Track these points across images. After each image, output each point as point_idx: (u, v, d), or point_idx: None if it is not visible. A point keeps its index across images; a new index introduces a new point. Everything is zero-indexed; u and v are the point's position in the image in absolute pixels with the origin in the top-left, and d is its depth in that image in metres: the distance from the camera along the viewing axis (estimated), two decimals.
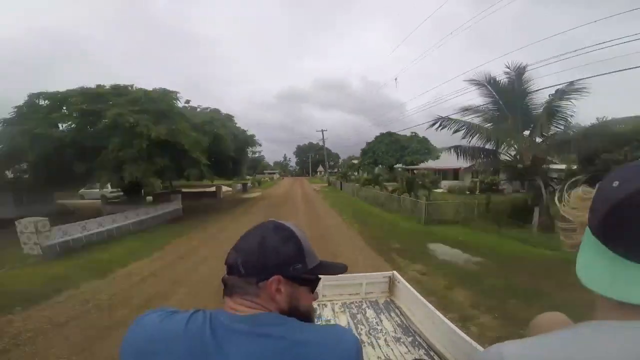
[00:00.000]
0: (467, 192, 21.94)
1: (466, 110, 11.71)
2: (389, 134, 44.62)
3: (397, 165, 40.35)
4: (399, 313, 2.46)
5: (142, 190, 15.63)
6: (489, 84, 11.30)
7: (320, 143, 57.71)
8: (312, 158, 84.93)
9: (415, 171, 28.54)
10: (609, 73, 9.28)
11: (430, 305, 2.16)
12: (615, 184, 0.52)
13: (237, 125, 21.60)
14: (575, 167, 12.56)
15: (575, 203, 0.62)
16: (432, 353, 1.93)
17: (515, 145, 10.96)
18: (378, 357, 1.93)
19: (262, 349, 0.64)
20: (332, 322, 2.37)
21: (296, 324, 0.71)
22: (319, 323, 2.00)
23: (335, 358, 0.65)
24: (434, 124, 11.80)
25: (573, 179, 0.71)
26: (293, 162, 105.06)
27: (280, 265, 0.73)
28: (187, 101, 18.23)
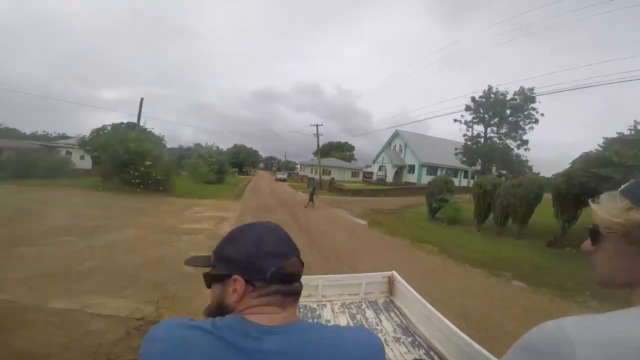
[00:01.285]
0: None
1: None
2: None
3: None
4: (398, 313, 2.42)
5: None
6: None
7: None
8: (269, 163, 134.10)
9: None
10: None
11: (429, 306, 2.11)
12: None
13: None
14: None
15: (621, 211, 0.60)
16: (431, 353, 1.90)
17: None
18: None
19: (299, 356, 0.64)
20: (332, 322, 2.33)
21: (327, 328, 0.76)
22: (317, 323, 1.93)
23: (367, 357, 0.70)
24: None
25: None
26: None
27: None
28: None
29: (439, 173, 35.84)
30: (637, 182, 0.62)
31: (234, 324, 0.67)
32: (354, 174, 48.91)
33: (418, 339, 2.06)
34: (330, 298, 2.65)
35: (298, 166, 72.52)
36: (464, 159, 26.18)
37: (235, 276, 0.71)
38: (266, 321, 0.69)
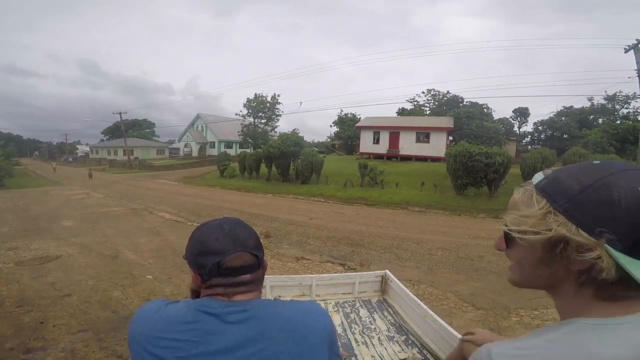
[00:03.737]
0: None
1: None
2: None
3: None
4: (392, 312, 2.00)
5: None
6: None
7: None
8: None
9: None
10: None
11: (422, 304, 1.80)
12: None
13: None
14: None
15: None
16: (425, 351, 1.62)
17: None
18: (372, 356, 1.56)
19: (251, 328, 0.62)
20: None
21: (280, 303, 0.70)
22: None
23: (311, 329, 0.66)
24: None
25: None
26: None
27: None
28: None
29: (233, 147, 37.15)
30: (555, 175, 0.44)
31: (204, 301, 0.67)
32: (160, 151, 41.38)
33: (411, 337, 1.73)
34: (324, 297, 2.21)
35: (86, 148, 51.62)
36: (242, 137, 30.54)
37: (191, 270, 0.70)
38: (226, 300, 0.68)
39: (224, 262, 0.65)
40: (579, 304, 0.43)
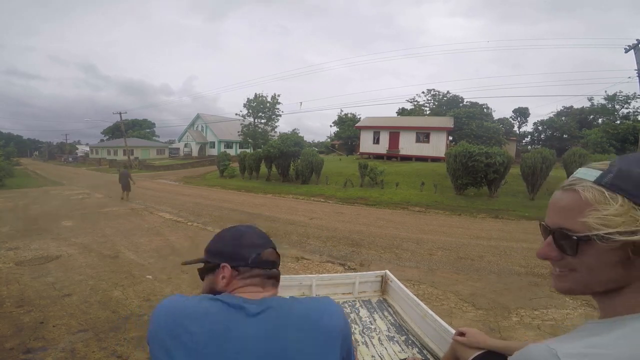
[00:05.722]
0: None
1: None
2: None
3: None
4: (392, 312, 1.99)
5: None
6: None
7: None
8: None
9: None
10: None
11: (422, 304, 1.80)
12: None
13: None
14: None
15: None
16: (425, 351, 1.61)
17: None
18: (372, 357, 1.56)
19: (268, 325, 0.64)
20: None
21: (296, 301, 0.72)
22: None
23: (325, 327, 0.67)
24: None
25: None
26: None
27: None
28: None
29: (233, 147, 37.47)
30: (620, 168, 0.41)
31: (225, 296, 0.69)
32: (160, 151, 41.31)
33: (412, 337, 1.72)
34: None
35: (86, 148, 51.18)
36: (242, 137, 30.21)
37: (224, 264, 0.72)
38: (249, 297, 0.69)
39: (264, 254, 0.74)
40: (625, 300, 0.41)
